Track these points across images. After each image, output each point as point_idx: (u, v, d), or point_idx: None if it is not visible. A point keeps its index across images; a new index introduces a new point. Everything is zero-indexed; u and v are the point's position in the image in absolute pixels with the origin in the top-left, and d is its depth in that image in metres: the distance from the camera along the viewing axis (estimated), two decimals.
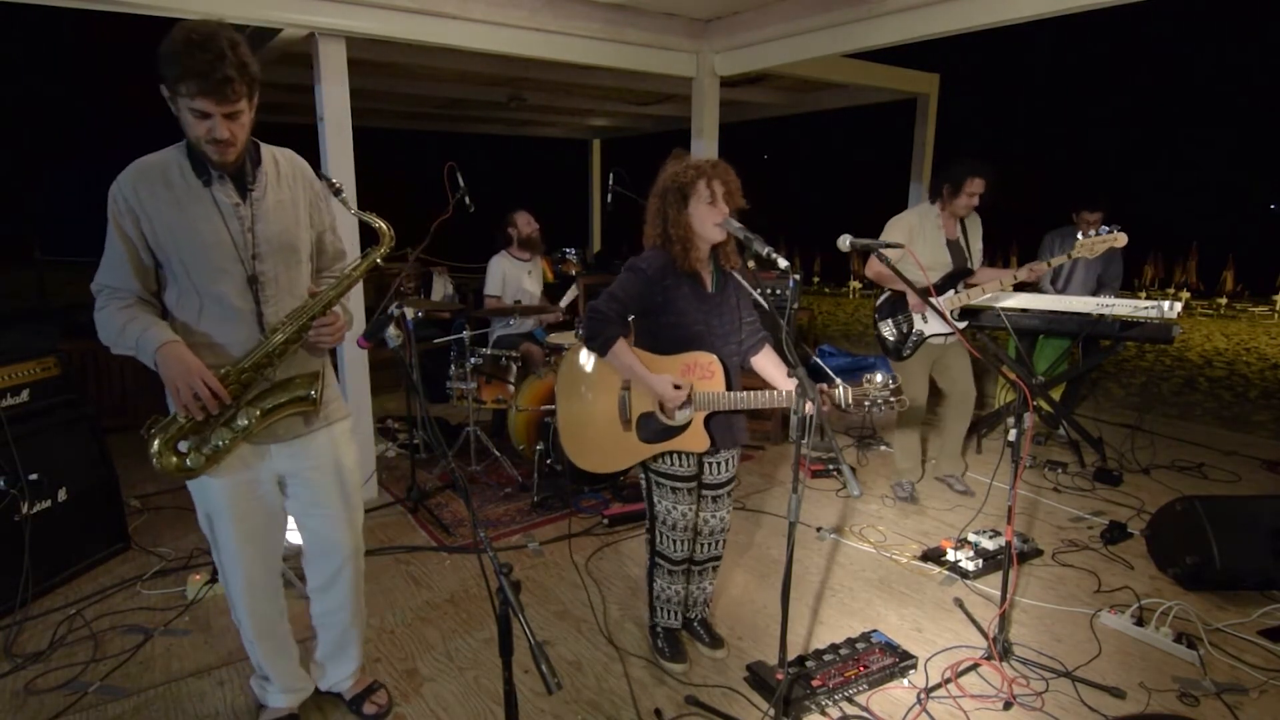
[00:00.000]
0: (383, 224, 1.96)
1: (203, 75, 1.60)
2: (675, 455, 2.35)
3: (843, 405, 2.17)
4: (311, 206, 1.99)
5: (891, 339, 3.79)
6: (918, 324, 3.72)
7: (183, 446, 1.81)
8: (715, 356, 2.27)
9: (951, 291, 3.69)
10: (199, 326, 1.84)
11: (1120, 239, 3.50)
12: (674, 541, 2.44)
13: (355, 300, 3.76)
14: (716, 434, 2.34)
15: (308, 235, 1.97)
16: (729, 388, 2.28)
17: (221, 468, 1.86)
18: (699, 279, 2.31)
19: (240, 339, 1.85)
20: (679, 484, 2.38)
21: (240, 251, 1.82)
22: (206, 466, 1.83)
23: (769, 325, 2.49)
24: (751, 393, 2.24)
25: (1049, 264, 3.65)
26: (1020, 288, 3.91)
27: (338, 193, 1.97)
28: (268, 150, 1.91)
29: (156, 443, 1.80)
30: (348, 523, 2.13)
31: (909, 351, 3.75)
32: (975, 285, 3.67)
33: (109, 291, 1.82)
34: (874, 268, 3.63)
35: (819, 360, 3.08)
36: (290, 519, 2.13)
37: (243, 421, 1.83)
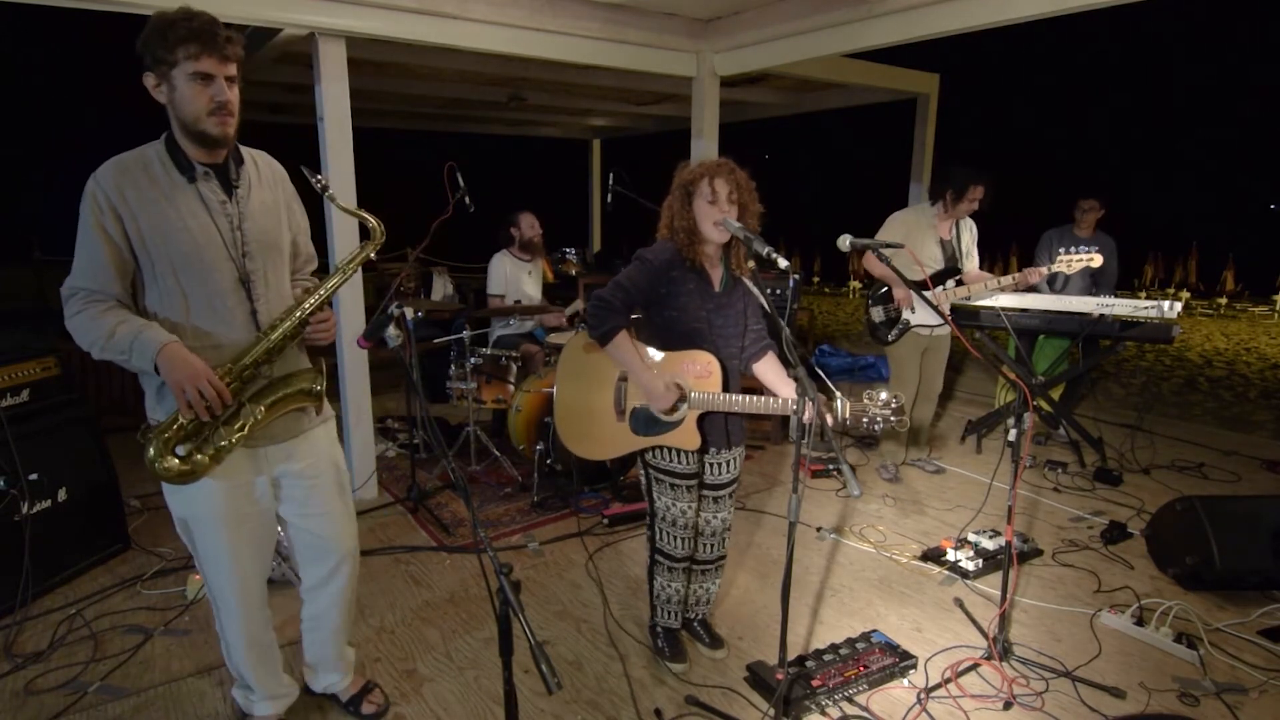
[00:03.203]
0: (374, 221, 1.98)
1: (203, 33, 1.64)
2: (673, 451, 2.34)
3: (839, 419, 2.14)
4: (288, 209, 2.00)
5: (879, 322, 4.04)
6: (905, 314, 3.94)
7: (180, 450, 1.75)
8: (714, 356, 2.27)
9: (940, 288, 3.86)
10: (188, 325, 1.79)
11: (1096, 259, 3.79)
12: (674, 539, 2.43)
13: (355, 300, 3.79)
14: (710, 434, 2.34)
15: (288, 236, 1.98)
16: (726, 389, 2.27)
17: (215, 471, 1.82)
18: (706, 276, 2.32)
19: (234, 338, 1.83)
20: (678, 480, 2.37)
21: (231, 250, 1.81)
22: (210, 467, 1.78)
23: (772, 331, 2.48)
24: (747, 396, 2.24)
25: (1042, 272, 3.93)
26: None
27: (325, 190, 1.97)
28: (245, 151, 1.91)
29: (152, 449, 1.74)
30: (345, 520, 2.12)
31: (894, 338, 4.00)
32: (964, 285, 3.87)
33: (85, 294, 1.73)
34: (876, 265, 3.87)
35: (820, 371, 3.09)
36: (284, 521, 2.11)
37: (246, 419, 1.80)
